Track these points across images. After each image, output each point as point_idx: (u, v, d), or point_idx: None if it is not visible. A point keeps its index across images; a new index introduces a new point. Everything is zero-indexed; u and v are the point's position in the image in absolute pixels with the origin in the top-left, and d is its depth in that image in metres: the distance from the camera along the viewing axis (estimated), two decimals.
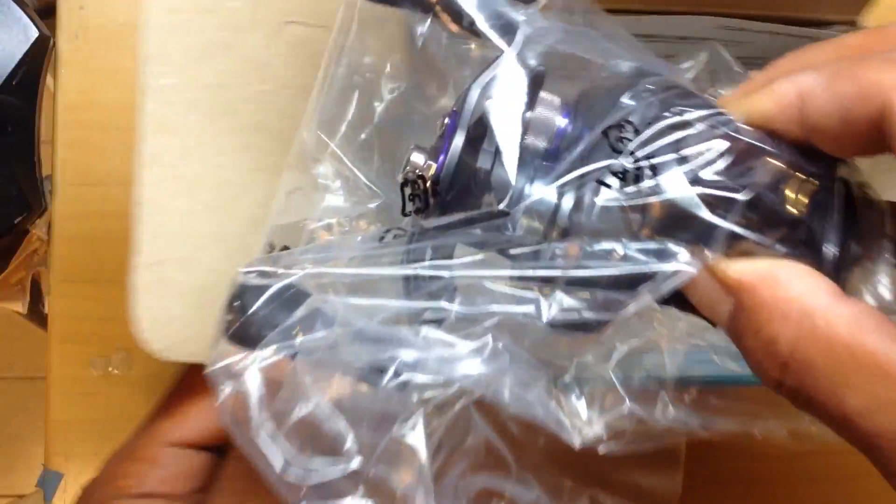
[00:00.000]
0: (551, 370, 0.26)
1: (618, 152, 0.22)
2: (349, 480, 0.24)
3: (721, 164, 0.22)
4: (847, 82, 0.20)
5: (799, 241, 0.21)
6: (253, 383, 0.24)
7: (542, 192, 0.23)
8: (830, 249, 0.21)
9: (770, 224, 0.21)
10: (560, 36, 0.25)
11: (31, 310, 0.48)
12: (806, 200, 0.22)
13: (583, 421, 0.26)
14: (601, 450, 0.26)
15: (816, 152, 0.22)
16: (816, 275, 0.20)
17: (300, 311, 0.24)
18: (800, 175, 0.22)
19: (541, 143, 0.24)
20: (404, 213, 0.25)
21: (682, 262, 0.21)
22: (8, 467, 1.06)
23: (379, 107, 0.29)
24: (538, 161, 0.24)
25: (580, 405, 0.26)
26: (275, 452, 0.24)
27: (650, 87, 0.24)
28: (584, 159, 0.23)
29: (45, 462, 0.40)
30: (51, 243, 0.40)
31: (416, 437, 0.25)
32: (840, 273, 0.22)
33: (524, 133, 0.24)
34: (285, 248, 0.28)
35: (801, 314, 0.19)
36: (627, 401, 0.26)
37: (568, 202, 0.23)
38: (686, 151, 0.22)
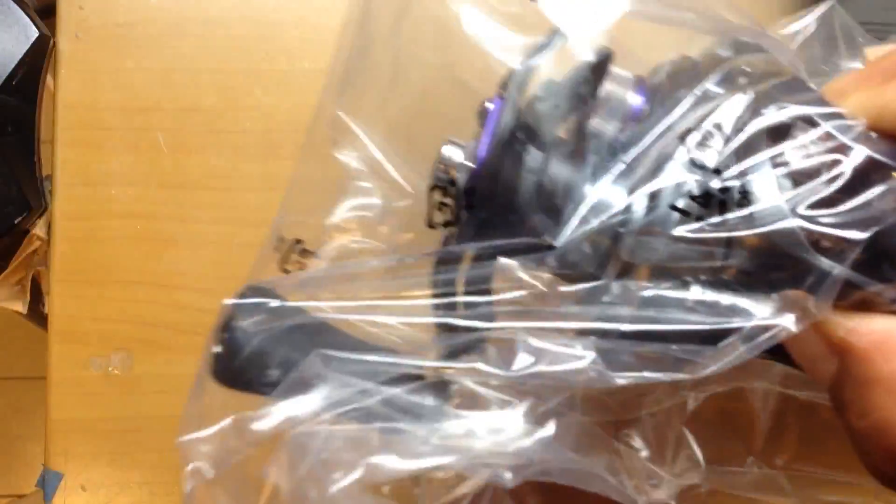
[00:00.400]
0: (611, 426, 0.21)
1: (699, 167, 0.17)
2: None
3: (836, 190, 0.16)
4: None
5: None
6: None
7: (608, 194, 0.18)
8: None
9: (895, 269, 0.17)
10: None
11: (31, 310, 0.48)
12: None
13: (649, 484, 0.22)
14: None
15: None
16: None
17: (302, 369, 0.20)
18: None
19: (610, 127, 0.19)
20: (430, 225, 0.20)
21: (773, 317, 0.16)
22: (8, 467, 1.06)
23: (416, 80, 0.23)
24: (604, 153, 0.19)
25: (646, 464, 0.22)
26: None
27: (746, 69, 0.18)
28: (656, 169, 0.17)
29: (45, 462, 0.40)
30: (51, 243, 0.40)
31: None
32: None
33: (585, 118, 0.19)
34: (298, 241, 0.24)
35: None
36: (702, 463, 0.22)
37: (635, 223, 0.17)
38: (789, 169, 0.17)
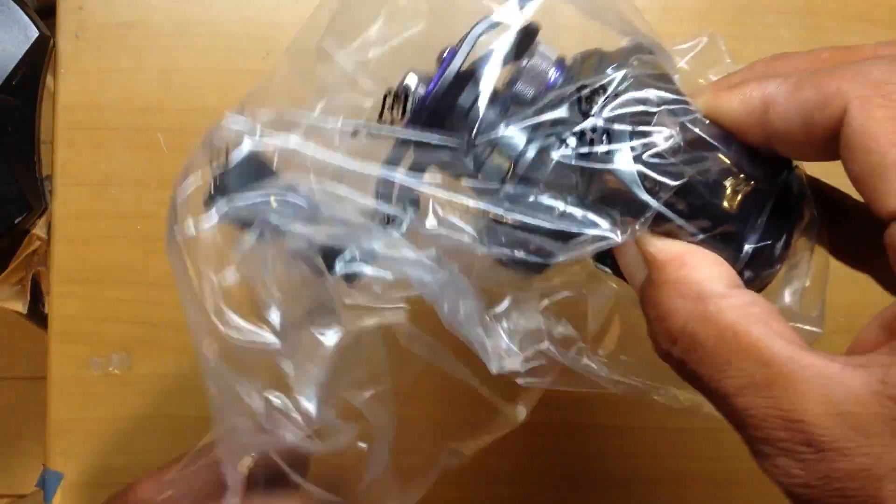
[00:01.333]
0: (487, 299, 0.27)
1: (584, 114, 0.24)
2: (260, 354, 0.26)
3: (668, 149, 0.23)
4: (810, 90, 0.21)
5: (724, 233, 0.23)
6: (210, 232, 0.25)
7: (513, 133, 0.24)
8: (749, 247, 0.23)
9: (698, 213, 0.23)
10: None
11: (31, 310, 0.48)
12: (739, 198, 0.23)
13: (503, 350, 0.27)
14: (519, 382, 0.27)
15: (768, 157, 0.23)
16: (722, 265, 0.23)
17: (280, 180, 0.25)
18: (741, 175, 0.23)
19: (529, 92, 0.25)
20: (379, 118, 0.26)
21: (608, 230, 0.23)
22: (8, 467, 1.06)
23: (408, 31, 0.29)
24: (523, 108, 0.25)
25: (505, 336, 0.28)
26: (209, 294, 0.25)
27: (635, 63, 0.25)
28: (552, 110, 0.24)
29: (45, 462, 0.40)
30: (51, 243, 0.40)
31: (330, 339, 0.26)
32: (756, 270, 0.24)
33: (515, 80, 0.25)
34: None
35: (697, 296, 0.22)
36: (547, 342, 0.28)
37: (532, 150, 0.24)
38: (640, 129, 0.23)
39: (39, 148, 0.39)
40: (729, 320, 0.21)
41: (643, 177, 0.23)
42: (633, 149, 0.23)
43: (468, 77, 0.25)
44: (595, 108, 0.24)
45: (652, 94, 0.24)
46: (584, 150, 0.23)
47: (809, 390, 0.19)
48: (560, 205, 0.24)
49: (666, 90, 0.24)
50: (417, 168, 0.26)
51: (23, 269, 0.44)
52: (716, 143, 0.23)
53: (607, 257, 0.25)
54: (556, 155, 0.24)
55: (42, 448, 0.41)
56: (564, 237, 0.24)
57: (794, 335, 0.21)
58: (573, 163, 0.23)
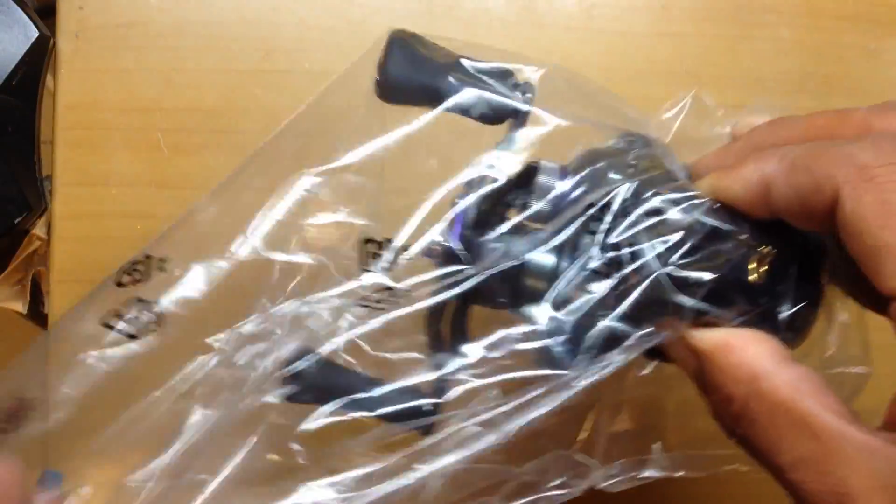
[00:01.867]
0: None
1: (592, 233, 0.26)
2: None
3: (690, 248, 0.24)
4: (803, 175, 0.23)
5: (761, 307, 0.25)
6: None
7: (540, 257, 0.26)
8: (785, 314, 0.25)
9: (732, 299, 0.25)
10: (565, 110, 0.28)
11: (31, 310, 0.48)
12: (765, 272, 0.25)
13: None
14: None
15: (782, 225, 0.24)
16: (765, 341, 0.24)
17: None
18: (761, 248, 0.25)
19: (545, 209, 0.27)
20: (363, 269, 0.28)
21: (652, 334, 0.25)
22: None
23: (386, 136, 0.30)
24: (543, 225, 0.27)
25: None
26: None
27: (633, 162, 0.27)
28: (574, 244, 0.26)
29: (45, 462, 0.40)
30: (51, 243, 0.40)
31: None
32: (796, 331, 0.25)
33: (528, 201, 0.27)
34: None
35: (750, 377, 0.23)
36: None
37: (564, 283, 0.26)
38: (660, 238, 0.25)
39: (39, 148, 0.39)
40: (781, 397, 0.22)
41: (676, 281, 0.24)
42: (658, 257, 0.24)
43: (485, 219, 0.27)
44: (605, 227, 0.26)
45: (658, 201, 0.25)
46: (616, 276, 0.25)
47: (856, 464, 0.21)
48: (603, 323, 0.25)
49: (671, 189, 0.25)
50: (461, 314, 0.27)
51: (23, 269, 0.44)
52: (731, 227, 0.25)
53: (656, 352, 0.26)
54: (595, 288, 0.25)
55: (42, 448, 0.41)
56: (614, 344, 0.25)
57: (841, 407, 0.22)
58: (608, 292, 0.25)
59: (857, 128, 0.25)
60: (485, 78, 0.28)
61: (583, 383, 0.25)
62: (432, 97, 0.27)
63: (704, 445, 0.30)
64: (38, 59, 0.39)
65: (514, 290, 0.27)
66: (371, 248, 0.28)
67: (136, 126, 0.41)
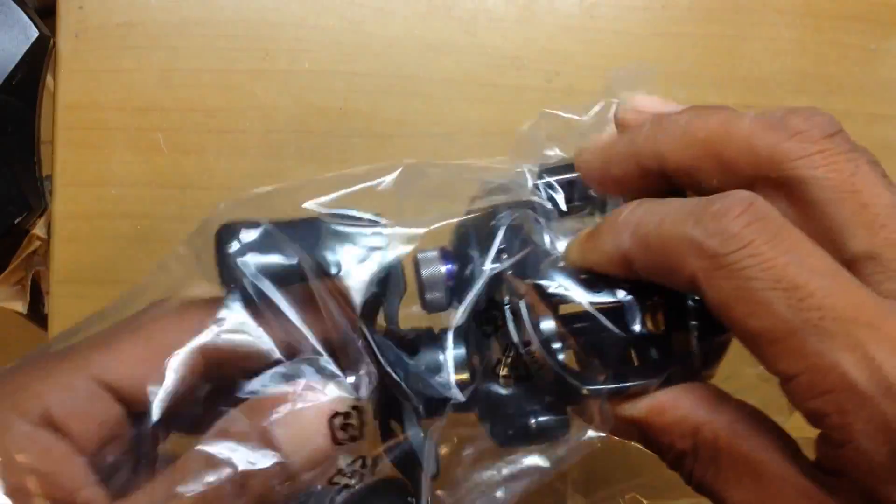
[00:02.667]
0: None
1: (497, 337, 0.26)
2: None
3: (590, 336, 0.25)
4: (659, 256, 0.23)
5: (672, 359, 0.25)
6: None
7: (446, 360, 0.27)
8: (696, 350, 0.25)
9: (645, 359, 0.26)
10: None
11: (31, 310, 0.48)
12: (661, 321, 0.25)
13: None
14: None
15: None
16: (693, 390, 0.24)
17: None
18: (650, 302, 0.25)
19: (439, 295, 0.27)
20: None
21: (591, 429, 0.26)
22: None
23: None
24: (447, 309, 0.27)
25: None
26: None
27: (503, 247, 0.26)
28: (471, 342, 0.26)
29: None
30: (51, 243, 0.40)
31: None
32: (712, 361, 0.26)
33: (424, 292, 0.27)
34: None
35: (692, 430, 0.24)
36: None
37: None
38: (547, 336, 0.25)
39: (39, 148, 0.39)
40: (722, 443, 0.23)
41: (580, 368, 0.26)
42: (550, 354, 0.25)
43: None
44: (513, 336, 0.26)
45: (523, 308, 0.25)
46: (517, 367, 0.26)
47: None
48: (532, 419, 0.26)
49: (550, 268, 0.26)
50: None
51: (23, 269, 0.44)
52: (613, 297, 0.25)
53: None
54: (505, 390, 0.26)
55: None
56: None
57: (779, 440, 0.23)
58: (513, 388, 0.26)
59: (739, 150, 0.24)
60: (342, 228, 0.27)
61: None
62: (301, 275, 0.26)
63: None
64: (38, 59, 0.39)
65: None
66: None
67: (136, 126, 0.41)
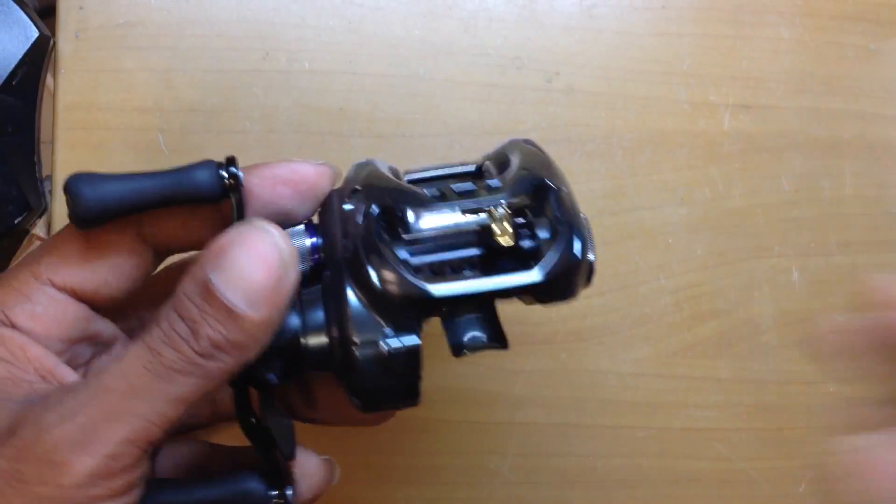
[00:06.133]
0: None
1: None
2: None
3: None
4: None
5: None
6: None
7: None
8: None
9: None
10: None
11: None
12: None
13: None
14: None
15: None
16: None
17: None
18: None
19: (304, 268, 0.27)
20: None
21: None
22: None
23: None
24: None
25: None
26: None
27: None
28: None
29: None
30: None
31: None
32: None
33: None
34: None
35: None
36: None
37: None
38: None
39: (39, 148, 0.39)
40: None
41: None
42: None
43: None
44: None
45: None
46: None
47: None
48: None
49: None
50: None
51: None
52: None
53: None
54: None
55: None
56: None
57: None
58: None
59: None
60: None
61: None
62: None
63: None
64: (38, 59, 0.39)
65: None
66: None
67: (136, 126, 0.41)
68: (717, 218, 0.43)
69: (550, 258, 0.25)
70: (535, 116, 0.43)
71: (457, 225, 0.26)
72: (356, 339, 0.25)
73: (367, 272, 0.25)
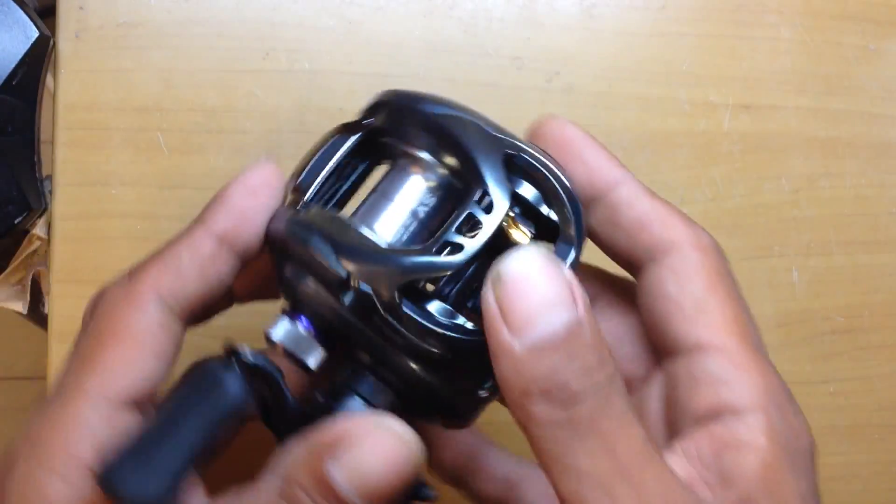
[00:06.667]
0: None
1: None
2: None
3: None
4: None
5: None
6: None
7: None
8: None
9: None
10: None
11: (31, 310, 0.48)
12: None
13: None
14: None
15: None
16: None
17: None
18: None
19: (315, 349, 0.26)
20: None
21: None
22: None
23: None
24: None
25: None
26: None
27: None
28: None
29: None
30: (51, 243, 0.40)
31: None
32: None
33: (304, 363, 0.26)
34: None
35: None
36: None
37: None
38: None
39: (39, 148, 0.39)
40: None
41: None
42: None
43: None
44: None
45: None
46: None
47: None
48: None
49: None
50: None
51: (23, 269, 0.44)
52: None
53: None
54: None
55: None
56: None
57: None
58: None
59: None
60: None
61: None
62: None
63: None
64: (38, 59, 0.39)
65: None
66: None
67: (136, 126, 0.41)
68: (717, 218, 0.43)
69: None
70: (535, 116, 0.42)
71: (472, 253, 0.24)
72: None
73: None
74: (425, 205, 0.26)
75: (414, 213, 0.26)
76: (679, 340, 0.25)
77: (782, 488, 0.23)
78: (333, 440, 0.23)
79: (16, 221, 0.39)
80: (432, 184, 0.26)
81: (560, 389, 0.21)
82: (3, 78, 0.38)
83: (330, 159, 0.27)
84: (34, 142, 0.39)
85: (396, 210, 0.26)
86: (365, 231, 0.25)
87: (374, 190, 0.28)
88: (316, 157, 0.27)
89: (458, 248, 0.23)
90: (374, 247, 0.25)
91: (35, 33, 0.38)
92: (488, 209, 0.24)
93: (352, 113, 0.42)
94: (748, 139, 0.44)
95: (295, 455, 0.23)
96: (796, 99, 0.44)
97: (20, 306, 0.47)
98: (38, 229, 0.41)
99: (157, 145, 0.41)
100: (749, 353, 0.24)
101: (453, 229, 0.24)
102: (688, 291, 0.25)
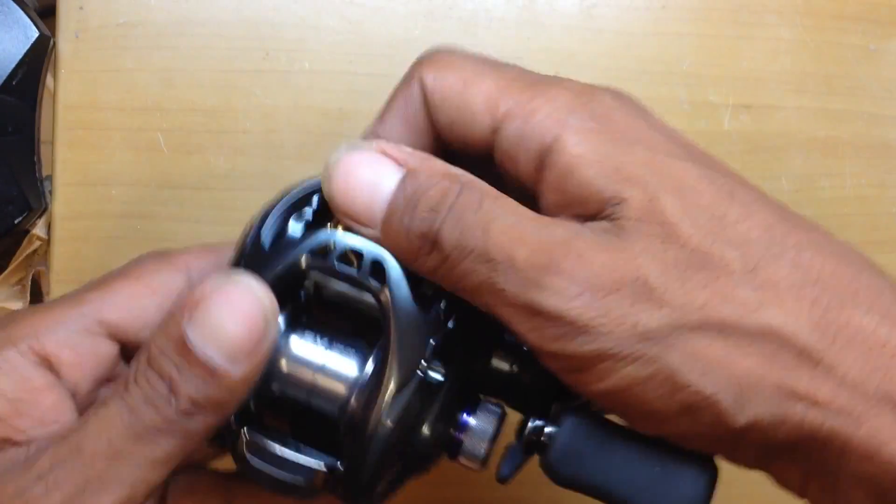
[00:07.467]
0: None
1: None
2: None
3: None
4: None
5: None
6: None
7: None
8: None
9: None
10: None
11: None
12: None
13: None
14: None
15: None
16: None
17: None
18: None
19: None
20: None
21: None
22: None
23: None
24: None
25: None
26: None
27: None
28: None
29: None
30: (51, 243, 0.40)
31: None
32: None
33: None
34: None
35: None
36: None
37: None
38: None
39: (39, 148, 0.39)
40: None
41: None
42: None
43: None
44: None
45: None
46: None
47: None
48: None
49: None
50: None
51: (23, 269, 0.44)
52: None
53: None
54: None
55: None
56: None
57: None
58: None
59: None
60: None
61: None
62: None
63: None
64: (38, 59, 0.39)
65: None
66: None
67: (136, 126, 0.41)
68: None
69: None
70: None
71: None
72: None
73: None
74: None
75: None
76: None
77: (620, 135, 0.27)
78: (190, 303, 0.23)
79: (16, 221, 0.39)
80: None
81: (427, 221, 0.24)
82: (3, 78, 0.38)
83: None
84: (34, 142, 0.39)
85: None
86: None
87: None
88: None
89: None
90: None
91: (35, 33, 0.38)
92: None
93: (352, 113, 0.42)
94: (748, 139, 0.44)
95: (160, 323, 0.24)
96: (796, 99, 0.44)
97: (20, 306, 0.47)
98: (38, 229, 0.41)
99: (156, 145, 0.41)
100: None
101: None
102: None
